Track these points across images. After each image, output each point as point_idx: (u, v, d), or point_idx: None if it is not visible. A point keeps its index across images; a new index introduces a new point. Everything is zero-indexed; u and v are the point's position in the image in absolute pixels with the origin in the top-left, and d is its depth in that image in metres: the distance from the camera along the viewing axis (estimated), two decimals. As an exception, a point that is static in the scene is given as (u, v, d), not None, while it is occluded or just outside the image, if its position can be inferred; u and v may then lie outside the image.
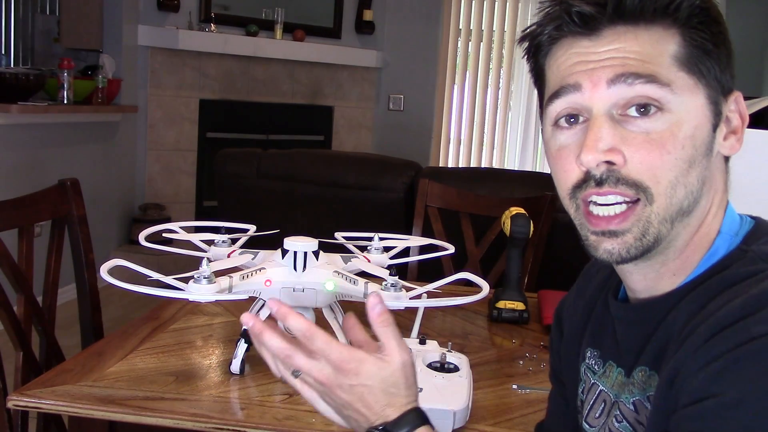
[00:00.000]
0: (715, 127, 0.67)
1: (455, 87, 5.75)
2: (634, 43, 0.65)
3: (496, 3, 5.63)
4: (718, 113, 0.67)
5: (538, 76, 0.73)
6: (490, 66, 5.73)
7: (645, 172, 0.64)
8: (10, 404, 1.07)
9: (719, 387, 0.55)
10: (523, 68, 5.51)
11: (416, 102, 5.62)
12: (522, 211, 1.58)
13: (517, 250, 1.59)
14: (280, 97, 5.01)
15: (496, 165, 5.86)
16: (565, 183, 0.68)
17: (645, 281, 0.70)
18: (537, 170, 5.64)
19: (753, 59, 5.74)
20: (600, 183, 0.65)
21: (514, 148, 5.89)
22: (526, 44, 0.73)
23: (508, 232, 1.57)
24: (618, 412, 0.71)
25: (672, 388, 0.60)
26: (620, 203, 0.65)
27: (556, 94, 0.68)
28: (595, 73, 0.65)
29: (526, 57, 0.74)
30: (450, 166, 5.78)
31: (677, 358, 0.60)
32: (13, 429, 1.35)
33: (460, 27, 5.64)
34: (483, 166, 5.83)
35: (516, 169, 5.64)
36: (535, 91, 0.76)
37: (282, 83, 5.01)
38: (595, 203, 0.66)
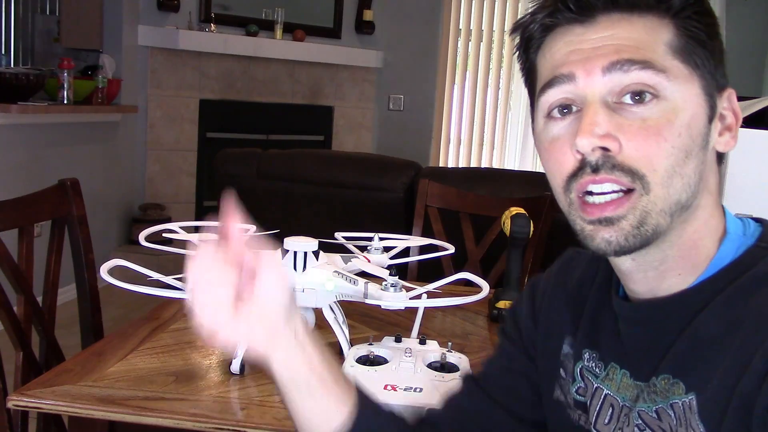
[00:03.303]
0: (710, 119, 0.65)
1: (455, 87, 5.75)
2: (628, 30, 0.63)
3: (496, 3, 5.63)
4: (713, 106, 0.65)
5: (529, 73, 0.72)
6: (490, 66, 5.73)
7: (641, 159, 0.62)
8: (10, 404, 1.07)
9: None
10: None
11: (416, 102, 5.62)
12: (522, 211, 1.58)
13: (517, 250, 1.59)
14: (280, 97, 5.01)
15: (496, 165, 5.86)
16: (559, 174, 0.66)
17: (646, 281, 0.68)
18: (537, 170, 5.64)
19: (753, 59, 5.74)
20: (596, 170, 0.63)
21: (514, 148, 5.89)
22: (517, 37, 0.71)
23: (508, 232, 1.57)
24: (640, 421, 0.68)
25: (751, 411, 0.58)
26: (616, 191, 0.63)
27: (549, 84, 0.66)
28: (589, 62, 0.64)
29: (517, 53, 0.72)
30: (450, 166, 5.78)
31: (747, 382, 0.58)
32: (13, 429, 1.35)
33: (460, 27, 5.64)
34: (483, 166, 5.83)
35: (516, 169, 5.64)
36: None
37: (282, 83, 5.01)
38: (591, 193, 0.64)
